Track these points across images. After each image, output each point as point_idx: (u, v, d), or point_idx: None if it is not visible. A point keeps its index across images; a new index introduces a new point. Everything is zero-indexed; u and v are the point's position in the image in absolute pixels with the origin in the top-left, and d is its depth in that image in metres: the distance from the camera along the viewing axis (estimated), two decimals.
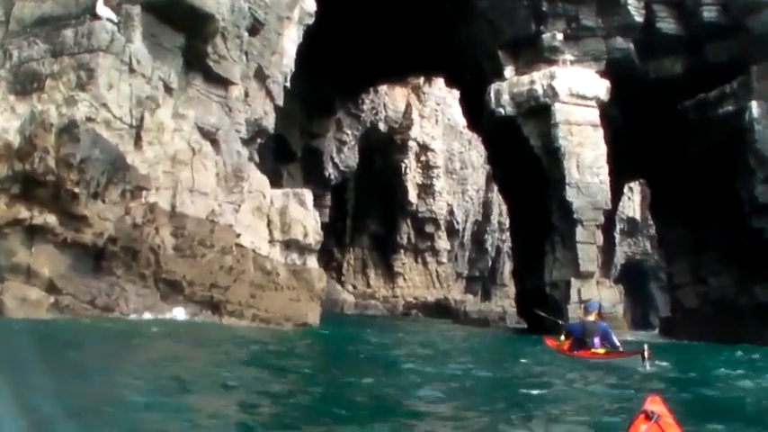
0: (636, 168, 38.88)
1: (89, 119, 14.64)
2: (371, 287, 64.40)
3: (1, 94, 15.71)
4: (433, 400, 8.04)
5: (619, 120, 34.30)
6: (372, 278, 65.18)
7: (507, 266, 66.92)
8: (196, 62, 18.86)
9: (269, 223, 20.82)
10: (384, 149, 63.83)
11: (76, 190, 14.03)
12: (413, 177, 64.46)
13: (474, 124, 42.52)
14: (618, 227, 62.88)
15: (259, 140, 23.43)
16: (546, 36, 32.70)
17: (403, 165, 63.99)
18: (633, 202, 77.72)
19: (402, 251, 64.90)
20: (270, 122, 23.03)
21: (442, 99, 66.71)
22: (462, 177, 69.06)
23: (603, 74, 32.71)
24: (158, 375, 8.53)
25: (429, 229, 64.69)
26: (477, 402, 8.26)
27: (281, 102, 23.41)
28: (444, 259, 66.16)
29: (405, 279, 64.68)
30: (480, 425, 7.16)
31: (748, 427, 7.95)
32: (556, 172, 31.68)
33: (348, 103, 55.70)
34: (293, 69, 24.47)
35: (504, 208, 54.98)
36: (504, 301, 67.24)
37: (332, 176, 55.27)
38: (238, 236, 19.33)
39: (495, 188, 58.06)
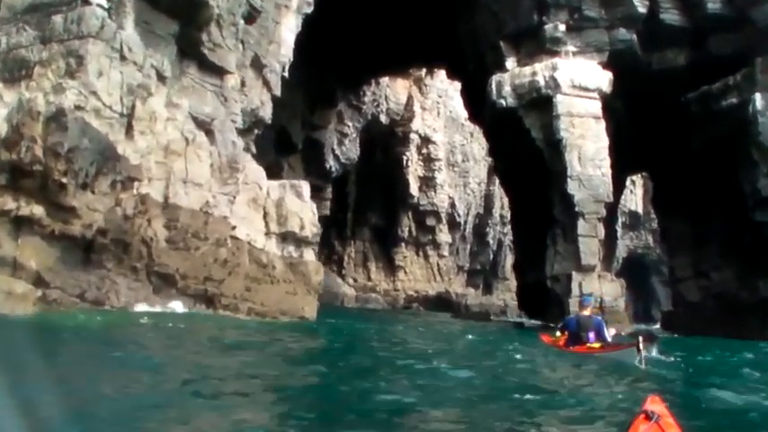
0: (638, 161, 38.54)
1: (78, 107, 14.27)
2: (372, 280, 64.19)
3: None
4: (402, 405, 7.58)
5: (621, 112, 33.98)
6: (373, 271, 64.97)
7: (509, 260, 66.61)
8: (190, 50, 18.49)
9: (265, 215, 20.48)
10: (385, 142, 63.59)
11: (64, 180, 13.66)
12: (414, 170, 64.18)
13: (475, 116, 42.19)
14: (620, 220, 62.75)
15: (256, 131, 23.06)
16: (548, 27, 32.34)
17: (404, 157, 63.71)
18: (635, 196, 77.51)
19: (403, 244, 64.68)
20: (267, 113, 22.65)
21: (444, 91, 66.42)
22: (464, 170, 68.80)
23: (606, 65, 32.37)
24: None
25: (430, 222, 64.46)
26: (456, 404, 7.91)
27: (278, 92, 23.02)
28: (446, 252, 65.94)
29: (406, 272, 64.47)
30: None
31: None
32: (557, 164, 31.36)
33: (349, 95, 55.41)
34: (291, 59, 24.07)
35: (506, 201, 54.66)
36: (506, 295, 67.04)
37: (333, 169, 54.98)
38: (233, 228, 19.00)
39: (497, 181, 57.74)
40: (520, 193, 37.04)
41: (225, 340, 12.69)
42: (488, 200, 72.02)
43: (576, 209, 30.68)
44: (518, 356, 13.94)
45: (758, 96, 28.52)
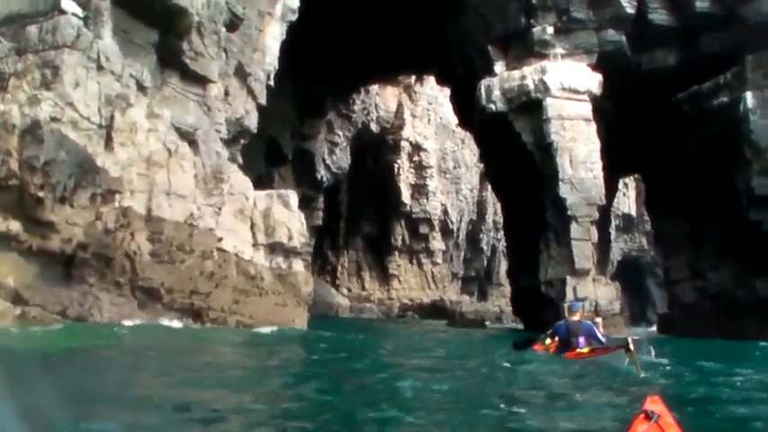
0: (630, 163, 38.39)
1: (54, 119, 13.88)
2: (366, 290, 63.91)
3: None
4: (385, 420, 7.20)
5: (612, 114, 33.78)
6: (367, 280, 64.70)
7: (503, 266, 66.26)
8: (171, 59, 18.11)
9: (252, 226, 20.16)
10: (376, 150, 63.40)
11: (41, 194, 13.27)
12: (406, 178, 63.95)
13: (465, 121, 41.94)
14: (613, 223, 62.72)
15: (242, 141, 22.67)
16: (536, 30, 32.14)
17: (396, 165, 63.49)
18: (628, 198, 77.47)
19: (396, 253, 64.42)
20: (252, 122, 22.29)
21: (434, 98, 66.26)
22: (456, 177, 68.57)
23: (595, 67, 32.17)
24: None
25: (423, 229, 64.21)
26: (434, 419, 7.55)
27: (263, 100, 22.66)
28: (439, 260, 65.70)
29: (400, 281, 64.20)
30: None
31: None
32: (549, 168, 31.11)
33: (339, 104, 55.19)
34: (276, 67, 23.74)
35: (499, 206, 54.34)
36: (501, 301, 66.92)
37: (324, 178, 54.66)
38: (220, 240, 18.66)
39: (489, 187, 57.51)
40: (512, 198, 36.78)
41: (189, 355, 12.15)
42: (481, 206, 71.75)
43: (569, 212, 30.43)
44: (506, 365, 13.53)
45: (749, 95, 28.34)
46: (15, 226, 13.24)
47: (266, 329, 17.70)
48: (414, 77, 63.19)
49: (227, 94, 20.57)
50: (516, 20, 32.90)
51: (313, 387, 9.16)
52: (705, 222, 32.18)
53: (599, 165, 31.15)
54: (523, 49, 32.78)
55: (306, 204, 53.07)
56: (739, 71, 29.06)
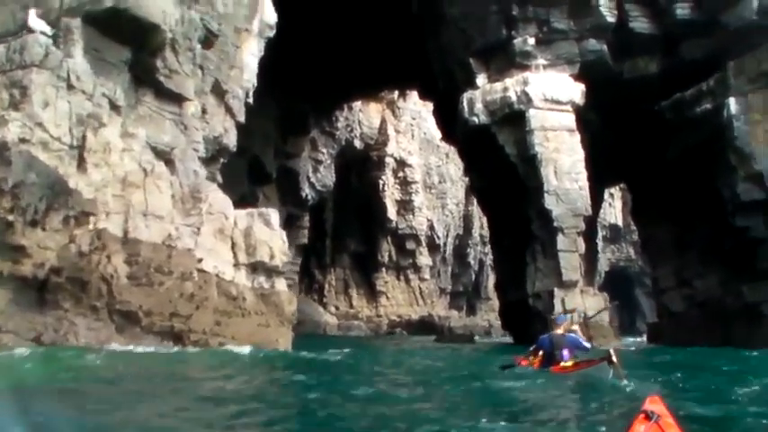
0: (615, 172, 38.28)
1: (22, 140, 13.51)
2: (354, 307, 63.57)
3: None
4: None
5: (595, 123, 33.63)
6: (355, 298, 64.36)
7: (491, 280, 65.97)
8: (145, 77, 17.73)
9: (233, 246, 19.69)
10: (361, 167, 63.25)
11: (11, 218, 12.89)
12: (391, 194, 63.76)
13: (449, 135, 41.74)
14: (600, 234, 62.59)
15: (222, 160, 22.23)
16: (517, 41, 32.02)
17: (380, 181, 63.31)
18: (614, 209, 77.58)
19: (384, 269, 64.15)
20: (231, 140, 21.89)
21: (417, 113, 66.19)
22: (441, 191, 68.41)
23: (578, 77, 32.07)
24: None
25: (410, 245, 63.99)
26: None
27: (242, 118, 22.27)
28: (427, 275, 65.43)
29: (387, 297, 63.87)
30: None
31: None
32: (533, 179, 30.90)
33: (322, 122, 55.01)
34: (255, 84, 23.36)
35: (485, 220, 54.16)
36: (490, 315, 66.68)
37: (309, 196, 54.43)
38: (199, 260, 18.22)
39: (475, 201, 57.32)
40: (497, 211, 36.55)
41: (146, 383, 11.60)
42: (467, 220, 71.60)
43: (555, 224, 30.20)
44: (487, 381, 13.16)
45: (732, 100, 28.30)
46: None
47: (245, 350, 17.18)
48: (396, 93, 63.18)
49: (204, 112, 20.15)
50: (497, 32, 32.78)
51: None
52: (691, 230, 32.10)
53: (584, 175, 30.94)
54: (505, 60, 32.64)
55: (291, 223, 53.03)
56: (722, 77, 29.03)
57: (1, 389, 9.32)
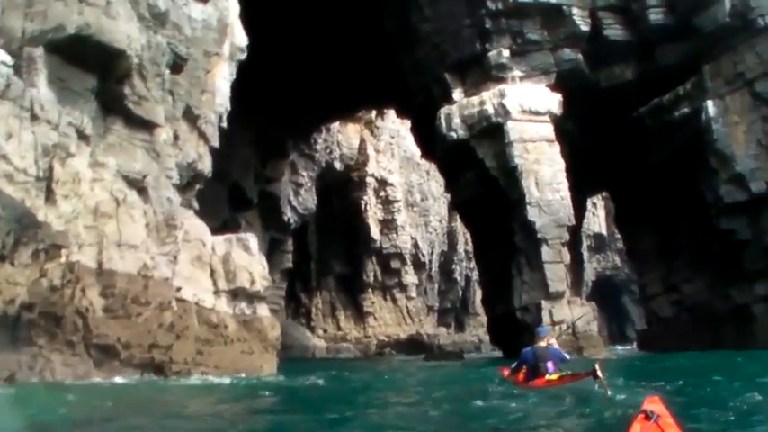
0: (597, 181, 38.17)
1: None
2: (342, 329, 63.17)
3: None
4: None
5: (575, 133, 33.50)
6: (342, 320, 63.94)
7: (478, 295, 65.43)
8: (114, 105, 17.34)
9: (212, 273, 19.29)
10: (342, 188, 63.01)
11: None
12: (374, 214, 63.46)
13: (428, 152, 41.53)
14: (585, 244, 62.60)
15: (197, 186, 21.84)
16: (492, 54, 31.82)
17: (362, 202, 63.03)
18: (598, 218, 77.70)
19: (370, 290, 63.78)
20: (206, 166, 21.52)
21: (396, 132, 66.09)
22: (424, 209, 68.20)
23: (554, 87, 31.89)
24: None
25: (395, 264, 63.66)
26: None
27: (216, 143, 21.91)
28: (413, 294, 65.11)
29: (375, 318, 63.48)
30: None
31: None
32: (515, 192, 30.64)
33: (301, 144, 54.75)
34: (229, 108, 23.01)
35: (469, 236, 54.00)
36: (479, 330, 66.42)
37: (291, 220, 54.07)
38: (178, 289, 17.81)
39: (458, 217, 57.13)
40: (480, 225, 36.23)
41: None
42: (451, 237, 71.38)
43: (539, 235, 29.90)
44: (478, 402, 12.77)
45: (710, 103, 28.29)
46: None
47: (226, 380, 16.71)
48: (374, 112, 63.00)
49: (176, 138, 19.77)
50: (471, 45, 32.62)
51: None
52: (676, 235, 32.05)
53: (565, 185, 30.70)
54: (480, 74, 32.47)
55: (275, 248, 52.74)
56: (698, 81, 29.03)
57: None
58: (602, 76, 32.69)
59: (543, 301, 29.43)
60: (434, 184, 67.70)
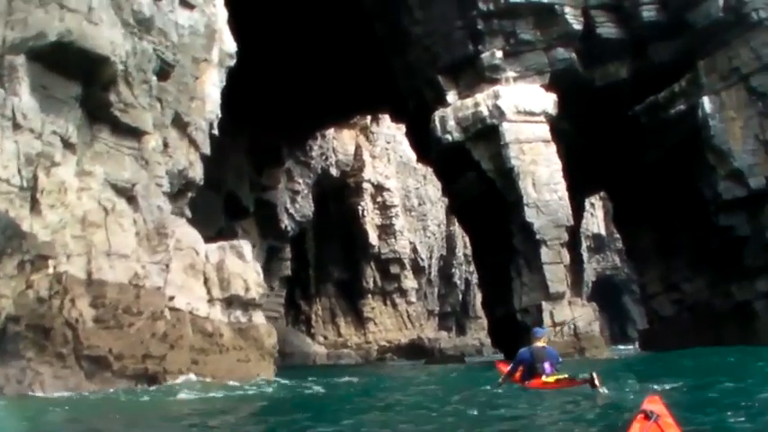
0: (594, 181, 37.91)
1: None
2: (342, 336, 62.97)
3: None
4: None
5: (570, 133, 33.24)
6: (342, 326, 63.72)
7: (478, 298, 65.26)
8: (100, 113, 17.03)
9: (205, 281, 19.00)
10: (339, 194, 62.82)
11: None
12: (371, 219, 63.23)
13: (423, 156, 41.22)
14: (584, 244, 62.41)
15: (189, 194, 21.53)
16: (485, 55, 31.56)
17: (360, 207, 62.80)
18: (596, 218, 77.58)
19: (369, 295, 63.55)
20: (198, 173, 21.20)
21: (392, 136, 65.91)
22: (421, 213, 68.02)
23: (549, 87, 31.65)
24: None
25: (394, 269, 63.43)
26: None
27: (207, 150, 21.59)
28: (413, 298, 64.92)
29: (375, 323, 63.26)
30: None
31: None
32: (512, 193, 30.39)
33: (296, 152, 54.55)
34: (219, 115, 22.71)
35: (468, 239, 53.78)
36: (480, 334, 66.21)
37: (289, 228, 53.85)
38: (171, 298, 17.51)
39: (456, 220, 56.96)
40: (478, 228, 36.01)
41: None
42: (450, 240, 71.19)
43: (537, 236, 29.64)
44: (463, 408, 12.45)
45: (706, 99, 28.05)
46: None
47: (221, 389, 16.38)
48: (369, 118, 62.81)
49: (166, 145, 19.46)
50: (463, 47, 32.37)
51: None
52: (675, 233, 31.85)
53: (563, 185, 30.46)
54: (474, 75, 32.22)
55: (273, 255, 52.58)
56: (693, 77, 28.79)
57: None
58: (597, 75, 32.47)
59: (544, 303, 29.18)
60: (432, 188, 67.51)
